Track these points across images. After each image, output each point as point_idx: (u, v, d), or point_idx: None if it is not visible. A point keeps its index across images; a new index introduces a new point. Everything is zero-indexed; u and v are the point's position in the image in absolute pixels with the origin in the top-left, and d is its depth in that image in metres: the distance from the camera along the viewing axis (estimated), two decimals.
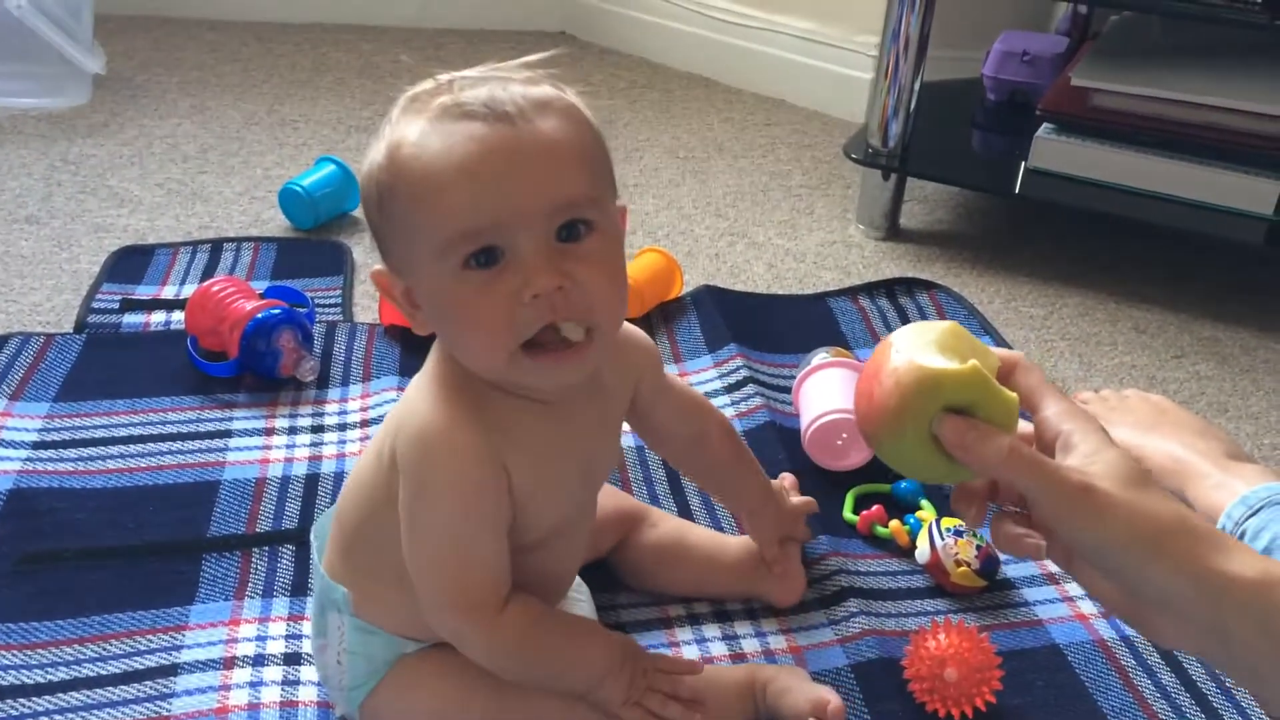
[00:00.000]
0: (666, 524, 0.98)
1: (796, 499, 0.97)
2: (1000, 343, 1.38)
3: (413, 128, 0.67)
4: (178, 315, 1.32)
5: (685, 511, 1.07)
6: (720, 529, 1.04)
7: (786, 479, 1.03)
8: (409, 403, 0.75)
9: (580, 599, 0.90)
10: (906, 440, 0.60)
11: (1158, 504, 0.56)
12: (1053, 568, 1.02)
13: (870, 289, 1.49)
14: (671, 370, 1.29)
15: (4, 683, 0.84)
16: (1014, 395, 0.59)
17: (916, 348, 0.59)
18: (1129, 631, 0.95)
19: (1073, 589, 1.00)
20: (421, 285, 0.70)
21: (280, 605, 0.94)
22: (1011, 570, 1.01)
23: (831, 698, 0.81)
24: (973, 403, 0.58)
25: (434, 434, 0.72)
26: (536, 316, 0.66)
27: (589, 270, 0.67)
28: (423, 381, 0.75)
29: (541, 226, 0.66)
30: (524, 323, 0.66)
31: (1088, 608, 0.98)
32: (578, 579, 0.91)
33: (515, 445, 0.73)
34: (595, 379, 0.76)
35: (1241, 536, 0.94)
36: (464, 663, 0.79)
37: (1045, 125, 1.59)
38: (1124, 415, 1.15)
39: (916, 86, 1.60)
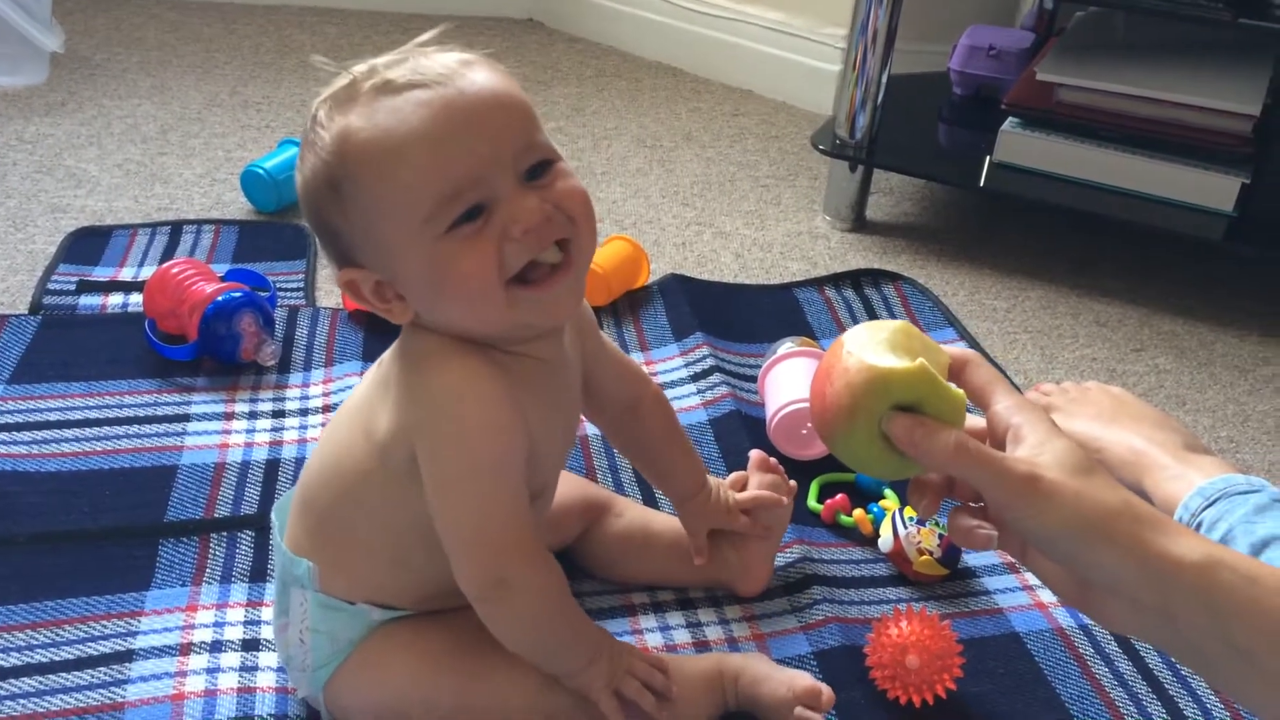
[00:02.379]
0: (631, 513, 0.98)
1: (743, 495, 0.95)
2: (964, 334, 1.39)
3: (352, 117, 0.67)
4: (136, 297, 1.30)
5: (650, 498, 1.07)
6: None
7: (755, 455, 1.02)
8: (413, 382, 0.73)
9: None
10: (858, 438, 0.61)
11: (1103, 490, 0.57)
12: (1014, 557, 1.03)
13: (836, 280, 1.49)
14: (639, 358, 1.29)
15: None
16: (961, 392, 0.61)
17: (867, 347, 0.61)
18: (1088, 620, 0.96)
19: (1033, 578, 1.00)
20: (405, 265, 0.69)
21: (239, 591, 0.92)
22: (973, 559, 1.02)
23: (821, 687, 0.81)
24: (921, 400, 0.60)
25: (460, 385, 0.72)
26: (525, 250, 0.68)
27: (564, 195, 0.70)
28: (424, 356, 0.73)
29: (512, 170, 0.68)
30: (513, 257, 0.68)
31: (1047, 596, 0.99)
32: None
33: (523, 396, 0.73)
34: (561, 340, 0.78)
35: (1198, 527, 0.95)
36: (429, 641, 0.79)
37: (1010, 119, 1.60)
38: (1084, 407, 1.16)
39: (884, 79, 1.60)
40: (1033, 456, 0.58)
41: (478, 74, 0.68)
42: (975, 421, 0.64)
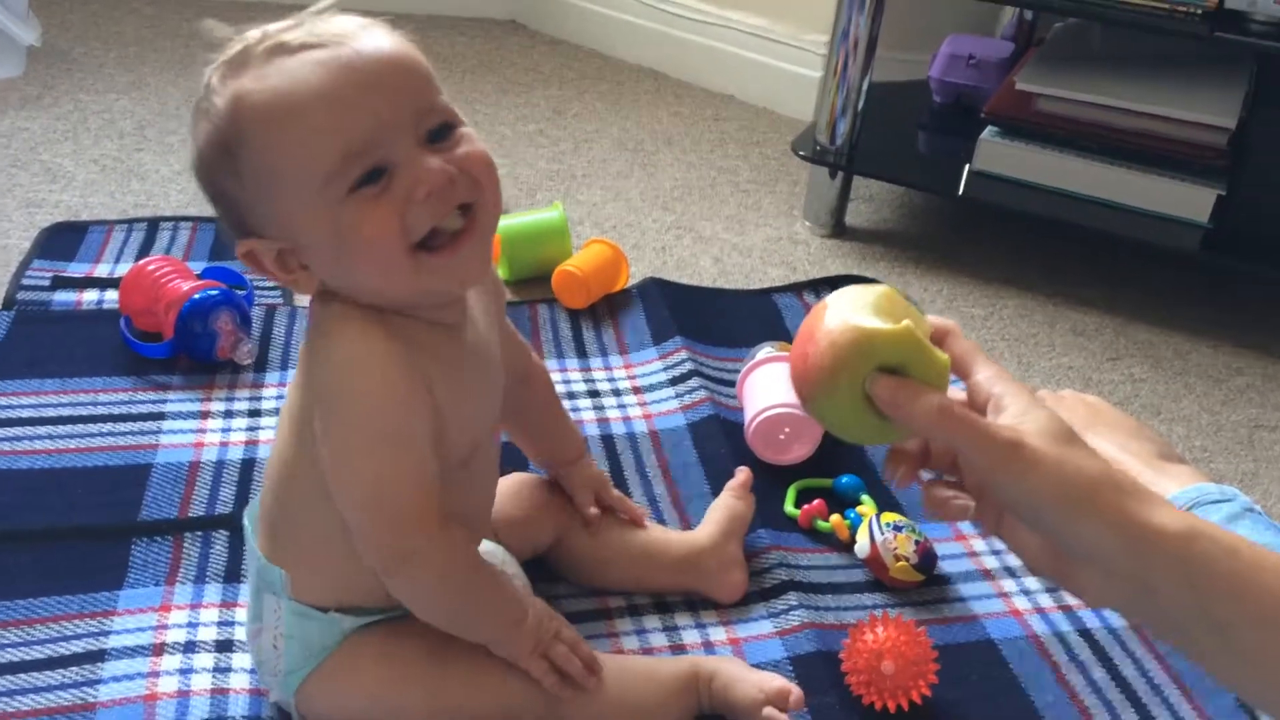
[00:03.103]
0: (607, 520, 0.98)
1: (616, 494, 0.98)
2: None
3: (245, 80, 0.66)
4: (111, 294, 1.29)
5: None
6: (662, 521, 1.04)
7: (742, 473, 1.02)
8: (315, 351, 0.73)
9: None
10: (840, 399, 0.60)
11: (1085, 459, 0.56)
12: (990, 564, 1.03)
13: (815, 285, 1.50)
14: (617, 361, 1.29)
15: None
16: (945, 357, 0.60)
17: (851, 310, 0.60)
18: (1062, 628, 0.97)
19: (1008, 585, 1.01)
20: (306, 231, 0.68)
21: (213, 591, 0.92)
22: (949, 566, 1.02)
23: (791, 687, 0.81)
24: (905, 362, 0.59)
25: (357, 354, 0.70)
26: (428, 213, 0.67)
27: (467, 158, 0.68)
28: (325, 326, 0.72)
29: (413, 132, 0.67)
30: (416, 221, 0.67)
31: (1023, 604, 0.99)
32: (517, 569, 0.90)
33: (431, 366, 0.72)
34: (469, 308, 0.78)
35: None
36: (399, 649, 0.78)
37: (989, 128, 1.61)
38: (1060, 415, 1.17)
39: (865, 86, 1.61)
40: (1016, 425, 0.57)
41: (375, 36, 0.67)
42: (954, 392, 0.63)
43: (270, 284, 1.37)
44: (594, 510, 0.95)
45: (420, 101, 0.67)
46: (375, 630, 0.79)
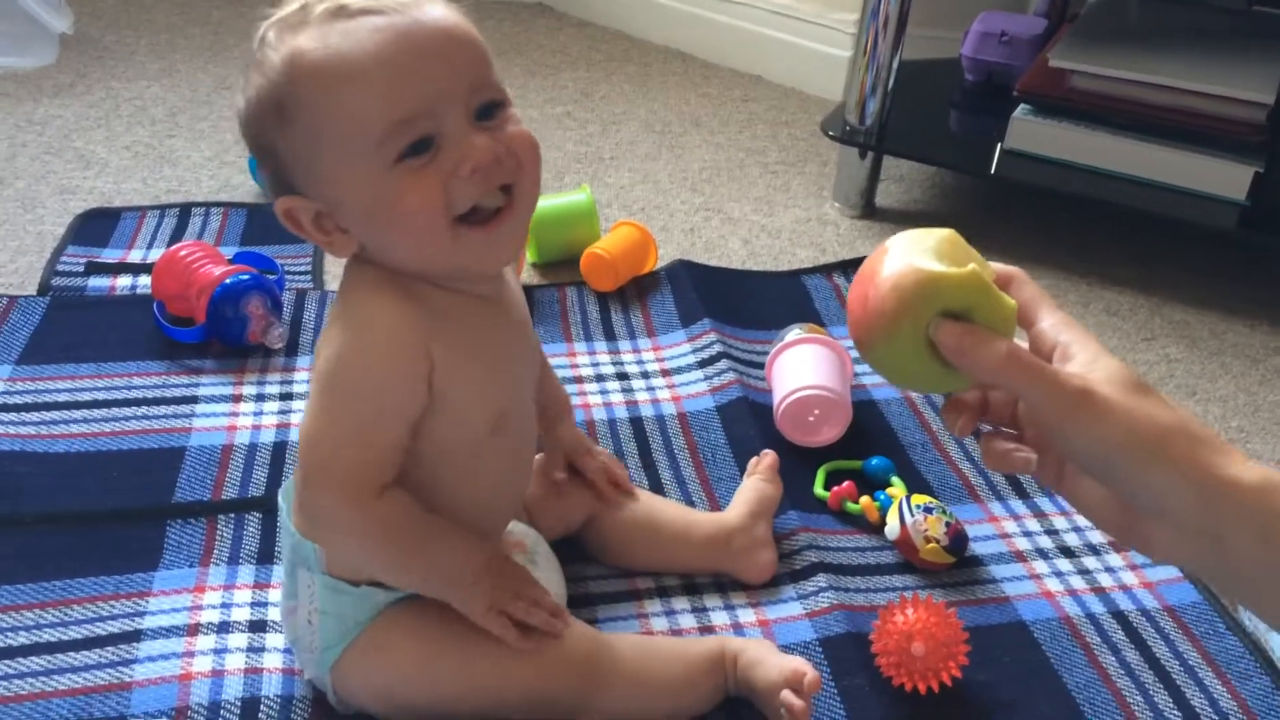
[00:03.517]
0: (638, 499, 0.98)
1: (595, 468, 0.96)
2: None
3: (303, 38, 0.66)
4: (144, 279, 1.30)
5: (656, 483, 1.06)
6: (691, 503, 1.04)
7: (768, 456, 1.02)
8: (338, 313, 0.74)
9: (546, 578, 0.89)
10: (901, 345, 0.57)
11: (1158, 408, 0.54)
12: (1021, 545, 1.03)
13: (845, 266, 1.49)
14: (645, 344, 1.29)
15: None
16: (1013, 302, 0.58)
17: (914, 253, 0.57)
18: (1094, 609, 0.96)
19: (1040, 567, 1.00)
20: (349, 194, 0.69)
21: (246, 573, 0.93)
22: (980, 547, 1.02)
23: (806, 669, 0.81)
24: (971, 308, 0.56)
25: (374, 318, 0.72)
26: (472, 190, 0.68)
27: (514, 138, 0.70)
28: (352, 290, 0.74)
29: (464, 107, 0.68)
30: (459, 197, 0.68)
31: (1055, 585, 0.98)
32: (548, 552, 0.91)
33: (445, 331, 0.73)
34: (505, 280, 0.79)
35: None
36: (431, 624, 0.78)
37: (1022, 106, 1.59)
38: None
39: (895, 65, 1.59)
40: (1084, 373, 0.55)
41: (435, 7, 0.68)
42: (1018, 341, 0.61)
43: (301, 269, 1.38)
44: (560, 475, 0.95)
45: (475, 77, 0.68)
46: (409, 605, 0.80)
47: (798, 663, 0.82)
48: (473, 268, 0.73)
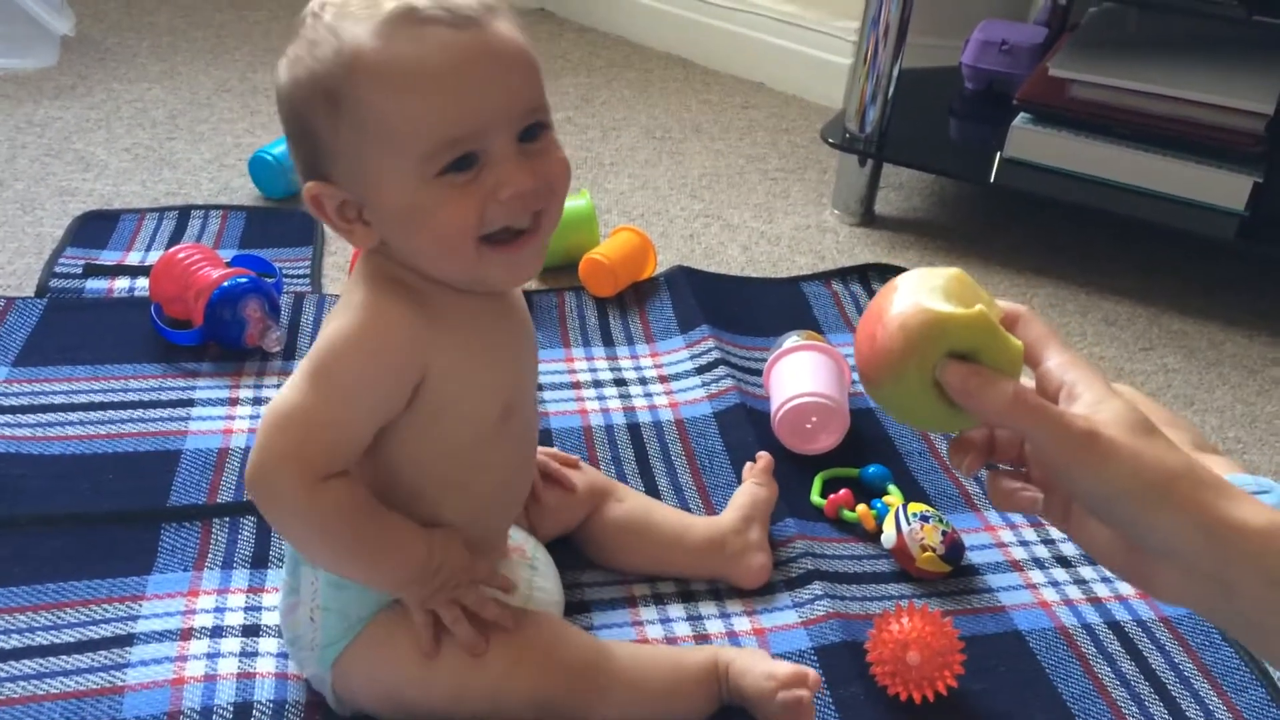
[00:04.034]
0: (632, 501, 0.98)
1: (555, 469, 0.96)
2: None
3: (364, 33, 0.66)
4: (142, 282, 1.30)
5: (652, 490, 1.06)
6: (687, 508, 1.04)
7: (762, 458, 1.02)
8: (344, 301, 0.75)
9: (546, 585, 0.89)
10: (908, 385, 0.58)
11: (1164, 451, 0.54)
12: (1018, 555, 1.03)
13: (844, 274, 1.49)
14: (644, 350, 1.29)
15: None
16: (1019, 343, 0.58)
17: (921, 292, 0.58)
18: (1090, 619, 0.96)
19: (1036, 577, 1.00)
20: (384, 195, 0.69)
21: (240, 577, 0.92)
22: (976, 556, 1.02)
23: (809, 671, 0.81)
24: (978, 348, 0.57)
25: (369, 311, 0.72)
26: (506, 214, 0.69)
27: (549, 166, 0.71)
28: (362, 282, 0.74)
29: (511, 130, 0.68)
30: (492, 218, 0.69)
31: (1050, 595, 0.98)
32: (546, 558, 0.90)
33: (449, 332, 0.74)
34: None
35: None
36: (438, 621, 0.78)
37: (1022, 115, 1.59)
38: None
39: (895, 73, 1.59)
40: (1090, 414, 0.55)
41: (502, 25, 0.68)
42: (1025, 381, 0.61)
43: (300, 273, 1.38)
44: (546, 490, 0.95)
45: (528, 101, 0.69)
46: None
47: (794, 666, 0.82)
48: (491, 283, 0.75)
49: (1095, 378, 0.58)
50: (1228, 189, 1.47)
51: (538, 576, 0.88)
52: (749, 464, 1.03)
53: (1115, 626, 0.95)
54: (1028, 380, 0.59)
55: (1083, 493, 0.56)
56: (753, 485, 1.00)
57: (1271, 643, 0.55)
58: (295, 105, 0.70)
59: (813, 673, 0.81)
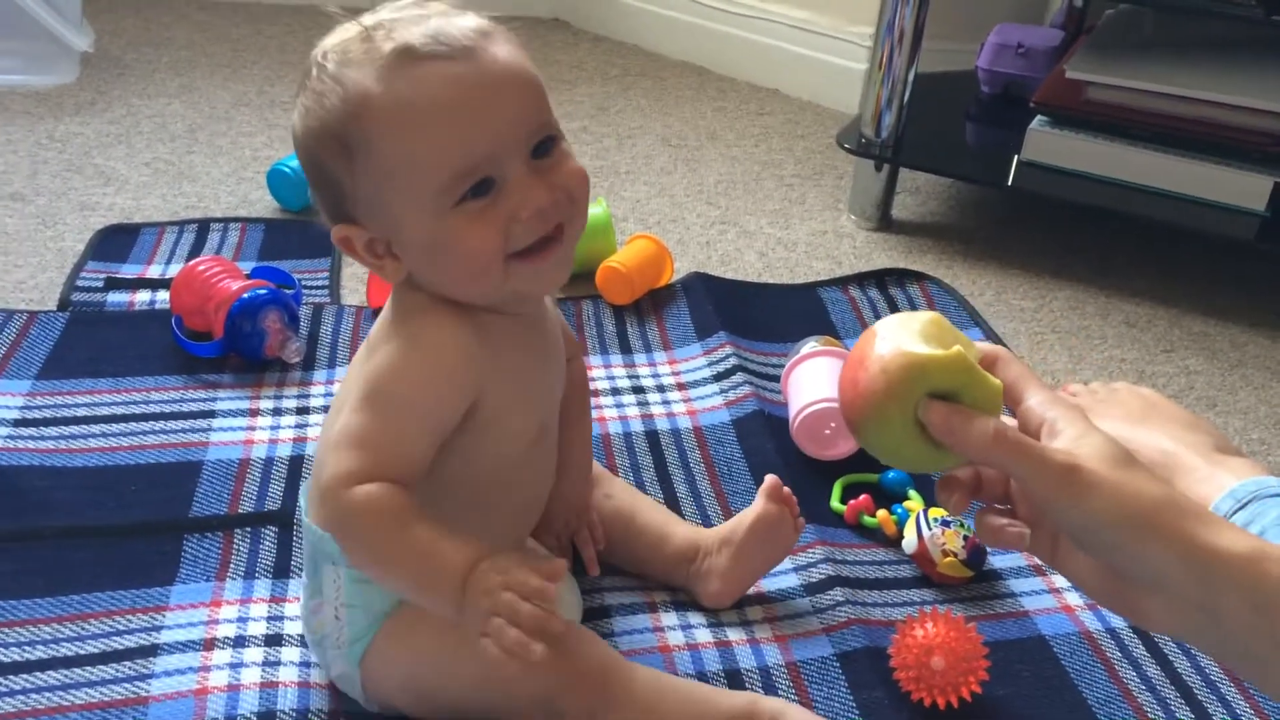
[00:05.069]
0: (620, 498, 0.97)
1: (582, 536, 0.94)
2: (990, 335, 1.38)
3: (367, 79, 0.67)
4: (163, 294, 1.31)
5: (671, 500, 1.06)
6: (706, 516, 1.04)
7: (769, 479, 1.00)
8: (395, 331, 0.75)
9: (568, 593, 0.89)
10: (892, 427, 0.60)
11: (1145, 482, 0.55)
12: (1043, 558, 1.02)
13: (861, 279, 1.48)
14: (661, 357, 1.29)
15: None
16: (998, 382, 0.60)
17: (901, 336, 0.60)
18: (1115, 623, 0.95)
19: (1060, 581, 0.99)
20: (407, 232, 0.71)
21: (262, 587, 0.93)
22: (998, 561, 1.01)
23: None
24: (958, 388, 0.59)
25: (428, 336, 0.73)
26: (530, 230, 0.70)
27: (566, 176, 0.72)
28: (407, 314, 0.75)
29: (523, 149, 0.70)
30: (517, 237, 0.70)
31: (1074, 600, 0.98)
32: (569, 575, 0.90)
33: (497, 358, 0.75)
34: (544, 300, 0.82)
35: None
36: None
37: (1039, 118, 1.59)
38: (1113, 408, 1.15)
39: (910, 78, 1.59)
40: (1071, 449, 0.56)
41: (498, 49, 0.69)
42: (1006, 420, 0.63)
43: (319, 284, 1.38)
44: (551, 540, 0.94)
45: (534, 118, 0.70)
46: None
47: None
48: (521, 294, 0.75)
49: (1075, 413, 0.59)
50: (1248, 190, 1.47)
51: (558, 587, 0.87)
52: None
53: (1140, 630, 0.94)
54: (1009, 419, 0.61)
55: (1067, 526, 0.57)
56: (762, 503, 0.95)
57: (1266, 670, 0.55)
58: (312, 154, 0.71)
59: None
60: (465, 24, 0.69)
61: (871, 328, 0.62)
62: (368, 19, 0.69)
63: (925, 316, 0.62)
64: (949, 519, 0.99)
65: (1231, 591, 0.53)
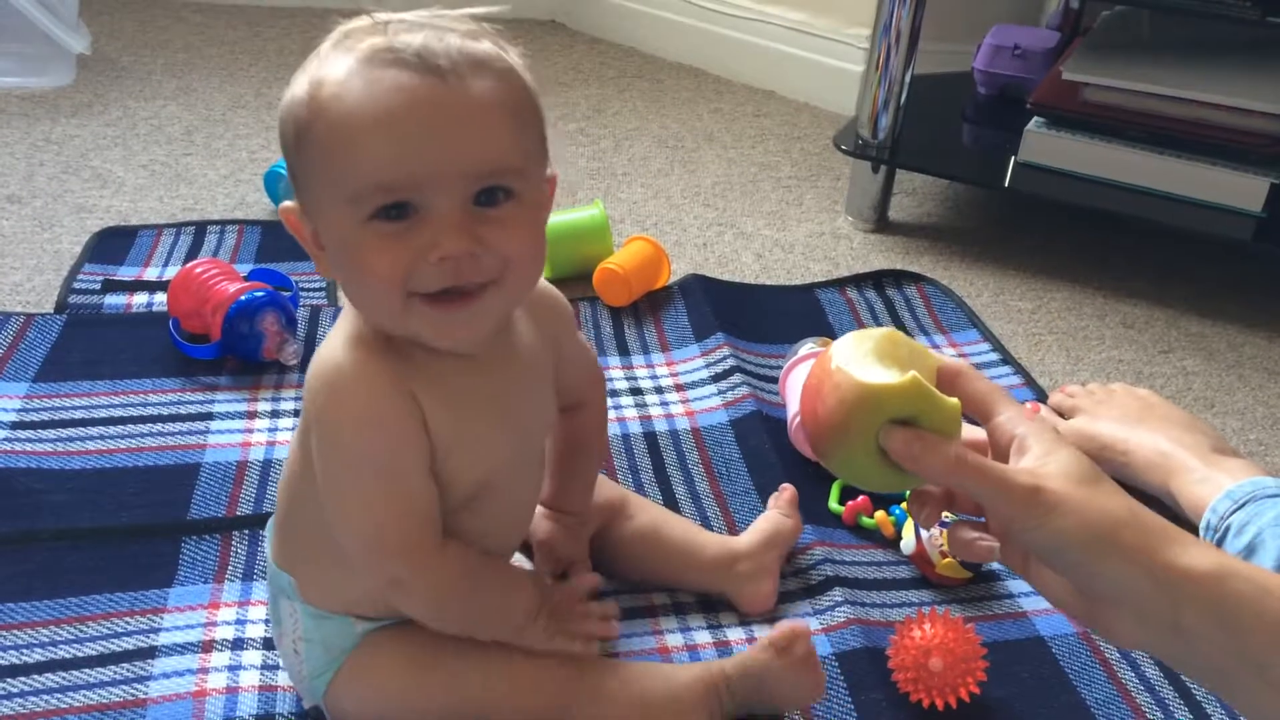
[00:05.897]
0: (644, 515, 0.97)
1: (581, 581, 0.87)
2: (988, 336, 1.38)
3: (338, 66, 0.64)
4: (160, 297, 1.31)
5: (670, 499, 1.06)
6: (704, 517, 1.04)
7: (787, 490, 1.01)
8: (318, 357, 0.72)
9: None
10: (855, 455, 0.61)
11: (1109, 500, 0.56)
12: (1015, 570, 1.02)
13: (858, 281, 1.49)
14: (659, 358, 1.29)
15: None
16: (955, 401, 0.60)
17: (854, 360, 0.60)
18: None
19: None
20: (327, 229, 0.67)
21: (260, 589, 0.92)
22: (996, 562, 1.01)
23: (794, 625, 0.81)
24: (915, 414, 0.59)
25: (344, 372, 0.69)
26: (436, 276, 0.64)
27: (502, 235, 0.65)
28: (333, 334, 0.73)
29: (459, 189, 0.64)
30: (420, 277, 0.64)
31: None
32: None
33: (432, 392, 0.70)
34: (510, 335, 0.75)
35: (1226, 531, 0.94)
36: (413, 645, 0.78)
37: (1035, 119, 1.59)
38: (1110, 409, 1.15)
39: (907, 79, 1.59)
40: (1037, 467, 0.57)
41: (479, 79, 0.64)
42: (977, 433, 0.63)
43: (316, 285, 1.38)
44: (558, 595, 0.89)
45: (482, 161, 0.64)
46: (390, 629, 0.79)
47: (782, 627, 0.81)
48: (422, 339, 0.69)
49: (1043, 431, 0.60)
50: (1244, 191, 1.47)
51: None
52: (774, 494, 1.02)
53: None
54: (979, 432, 0.62)
55: (1032, 546, 0.58)
56: (777, 515, 0.98)
57: (1229, 684, 0.56)
58: (282, 130, 0.69)
59: (799, 624, 0.81)
60: (462, 45, 0.64)
61: (826, 351, 0.62)
62: (384, 15, 0.67)
63: (879, 334, 0.62)
64: (946, 520, 0.98)
65: (1196, 608, 0.54)
